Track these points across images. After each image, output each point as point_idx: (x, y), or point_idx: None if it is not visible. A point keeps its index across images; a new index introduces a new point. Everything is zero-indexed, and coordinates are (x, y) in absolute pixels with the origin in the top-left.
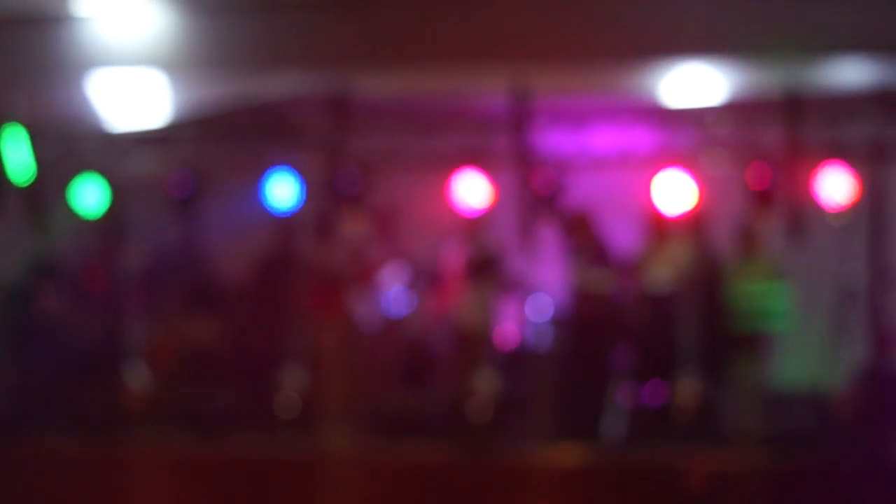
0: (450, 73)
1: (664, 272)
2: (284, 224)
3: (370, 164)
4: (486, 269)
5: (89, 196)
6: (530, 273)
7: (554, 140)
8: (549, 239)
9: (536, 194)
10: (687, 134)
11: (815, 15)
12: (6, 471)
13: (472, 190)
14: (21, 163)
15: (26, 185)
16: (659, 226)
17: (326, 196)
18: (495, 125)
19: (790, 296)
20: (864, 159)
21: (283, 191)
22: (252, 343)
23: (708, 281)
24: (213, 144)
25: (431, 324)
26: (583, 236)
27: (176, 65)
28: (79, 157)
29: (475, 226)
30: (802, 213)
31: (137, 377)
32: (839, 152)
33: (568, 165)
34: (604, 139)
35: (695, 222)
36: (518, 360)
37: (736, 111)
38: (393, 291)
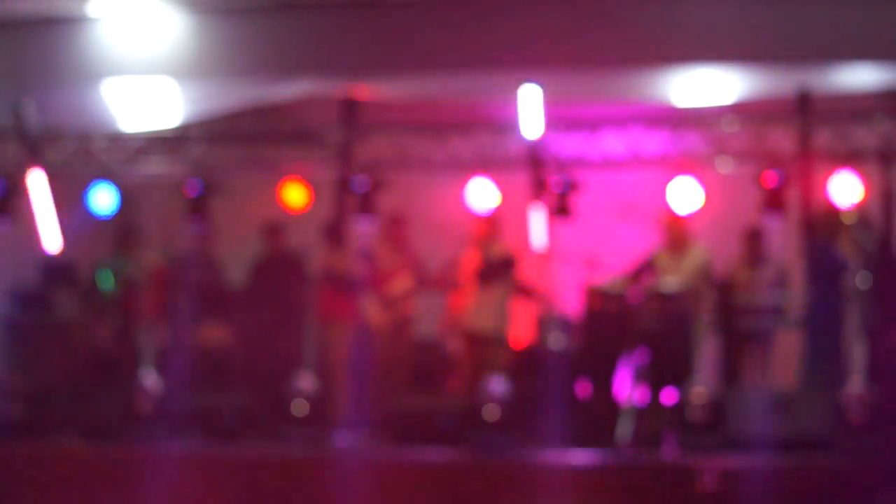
0: (461, 78)
1: (678, 274)
2: (276, 226)
3: (382, 168)
4: (498, 272)
5: (102, 198)
6: (543, 276)
7: (567, 144)
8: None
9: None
10: (699, 137)
11: (827, 20)
12: (21, 473)
13: (484, 194)
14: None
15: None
16: (672, 228)
17: (338, 200)
18: (508, 129)
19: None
20: (875, 161)
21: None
22: (264, 347)
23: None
24: (224, 148)
25: (444, 327)
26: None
27: (188, 69)
28: (92, 160)
29: (487, 229)
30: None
31: (151, 381)
32: (850, 155)
33: (580, 169)
34: (616, 143)
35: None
36: (531, 363)
37: (747, 114)
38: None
